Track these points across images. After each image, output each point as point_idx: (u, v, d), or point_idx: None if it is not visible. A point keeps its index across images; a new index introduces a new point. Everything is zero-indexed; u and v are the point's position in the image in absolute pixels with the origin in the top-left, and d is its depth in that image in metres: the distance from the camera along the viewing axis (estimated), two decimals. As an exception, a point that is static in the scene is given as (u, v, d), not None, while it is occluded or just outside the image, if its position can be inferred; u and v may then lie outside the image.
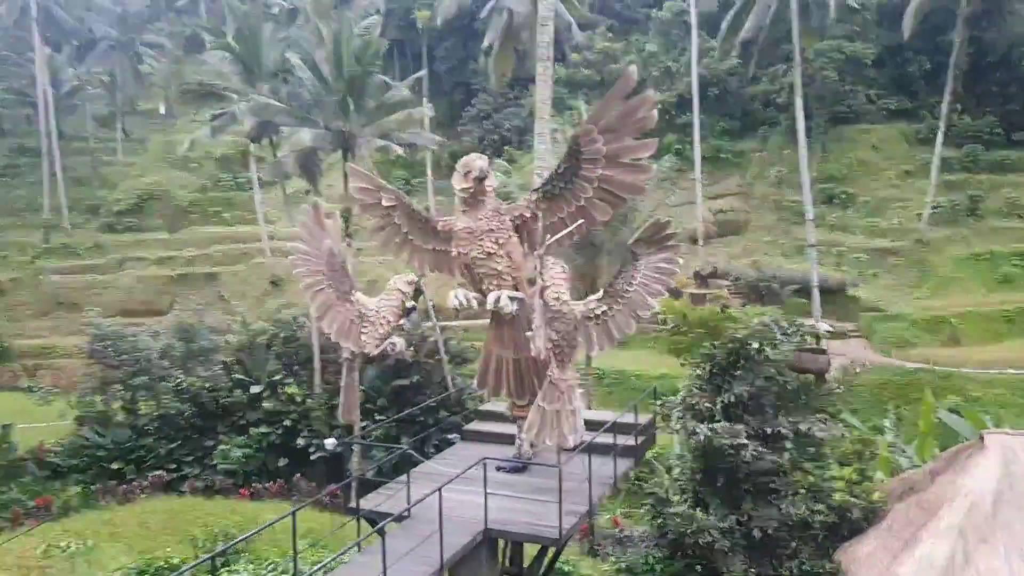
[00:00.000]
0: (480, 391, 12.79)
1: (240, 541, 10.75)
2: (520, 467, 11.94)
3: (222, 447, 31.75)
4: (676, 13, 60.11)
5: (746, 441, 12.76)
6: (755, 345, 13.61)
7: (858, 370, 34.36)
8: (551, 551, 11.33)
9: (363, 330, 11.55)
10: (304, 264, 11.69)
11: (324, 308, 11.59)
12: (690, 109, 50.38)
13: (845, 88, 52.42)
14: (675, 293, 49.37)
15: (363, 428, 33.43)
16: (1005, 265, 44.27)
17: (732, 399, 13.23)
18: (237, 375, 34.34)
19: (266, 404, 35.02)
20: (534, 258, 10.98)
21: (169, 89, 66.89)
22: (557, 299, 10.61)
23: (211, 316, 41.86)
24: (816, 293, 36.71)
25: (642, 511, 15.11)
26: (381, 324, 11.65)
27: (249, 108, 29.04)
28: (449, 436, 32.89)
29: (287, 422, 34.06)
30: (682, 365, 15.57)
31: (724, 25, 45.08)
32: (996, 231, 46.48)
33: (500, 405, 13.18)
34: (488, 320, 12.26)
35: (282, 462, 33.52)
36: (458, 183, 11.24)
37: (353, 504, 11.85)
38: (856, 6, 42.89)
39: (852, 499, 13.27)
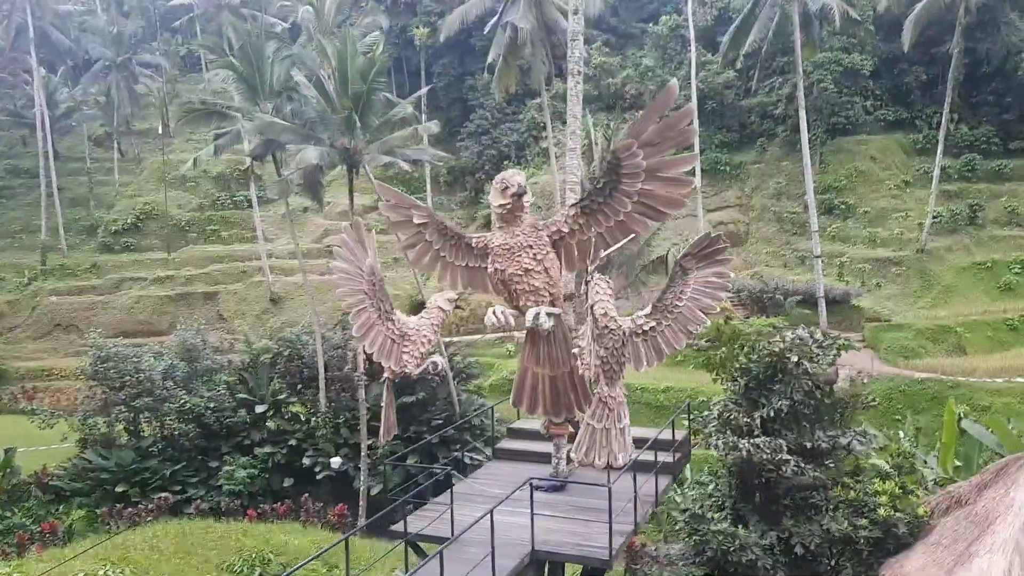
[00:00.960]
0: (516, 407, 12.54)
1: (300, 567, 10.42)
2: (559, 486, 11.74)
3: (227, 468, 31.43)
4: (672, 28, 60.37)
5: (788, 456, 12.55)
6: (794, 358, 13.41)
7: (865, 380, 34.22)
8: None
9: (404, 349, 11.37)
10: (346, 283, 11.49)
11: (366, 327, 11.39)
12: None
13: (842, 99, 52.62)
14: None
15: (370, 449, 33.21)
16: (1006, 274, 44.33)
17: (772, 413, 13.03)
18: (241, 395, 34.05)
19: (270, 424, 34.74)
20: (585, 274, 10.80)
21: (165, 108, 66.82)
22: (605, 315, 10.45)
23: (213, 335, 41.56)
24: (823, 304, 36.63)
25: (676, 528, 14.86)
26: (422, 343, 11.48)
27: (254, 126, 28.90)
28: (468, 454, 32.76)
29: (292, 441, 33.77)
30: (714, 380, 15.36)
31: (727, 38, 45.24)
32: (996, 239, 46.59)
33: (531, 423, 12.93)
34: (523, 336, 12.10)
35: (287, 482, 33.19)
36: (496, 199, 11.10)
37: (371, 524, 11.57)
38: (858, 18, 43.05)
39: (897, 513, 13.05)
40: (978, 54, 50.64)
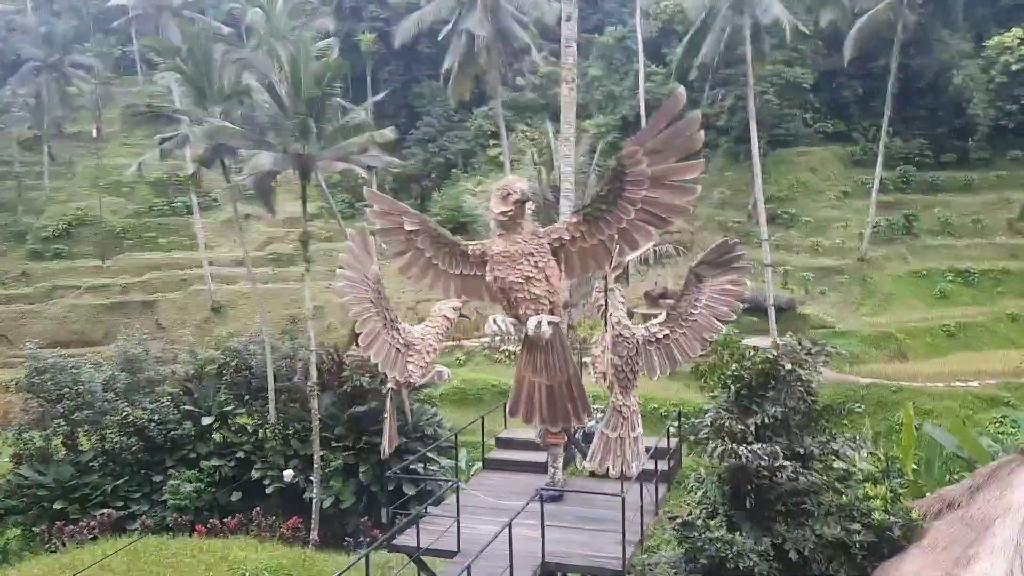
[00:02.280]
0: (512, 417, 12.26)
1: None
2: (557, 496, 11.55)
3: (172, 482, 30.36)
4: (618, 39, 61.02)
5: (786, 462, 12.61)
6: (788, 366, 13.53)
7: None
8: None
9: (409, 359, 11.06)
10: (352, 290, 11.08)
11: (371, 337, 11.01)
12: (635, 132, 51.02)
13: (783, 112, 53.84)
14: (628, 314, 49.78)
15: (323, 460, 32.46)
16: (941, 281, 45.85)
17: (767, 420, 13.09)
18: (186, 406, 32.97)
19: (217, 436, 33.75)
20: (600, 280, 10.64)
21: (98, 111, 64.67)
22: (618, 323, 10.31)
23: (153, 345, 40.20)
24: (772, 312, 37.29)
25: (664, 536, 14.81)
26: (427, 352, 11.19)
27: (204, 131, 28.08)
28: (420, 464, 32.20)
29: (240, 454, 32.85)
30: (701, 388, 15.42)
31: (680, 49, 45.88)
32: (930, 249, 48.18)
33: (519, 432, 12.73)
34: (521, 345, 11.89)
35: (235, 496, 32.28)
36: (497, 206, 10.90)
37: (354, 539, 11.17)
38: (808, 32, 44.14)
39: (891, 517, 13.21)
40: (912, 70, 52.37)
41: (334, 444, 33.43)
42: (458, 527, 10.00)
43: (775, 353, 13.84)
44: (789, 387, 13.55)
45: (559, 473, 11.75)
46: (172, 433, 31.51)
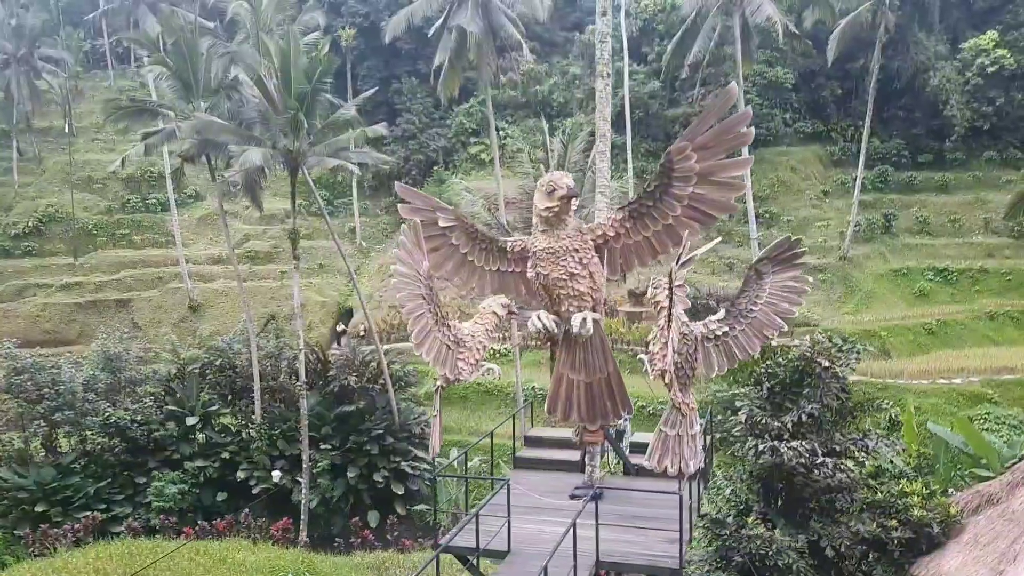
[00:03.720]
0: (551, 416, 12.07)
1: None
2: (598, 494, 11.38)
3: (156, 484, 29.75)
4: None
5: (827, 459, 12.53)
6: (824, 363, 13.46)
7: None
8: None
9: (459, 356, 10.80)
10: (405, 287, 10.75)
11: (423, 334, 10.71)
12: (615, 131, 51.05)
13: (764, 112, 54.17)
14: (611, 312, 49.68)
15: (312, 460, 31.94)
16: (920, 280, 46.41)
17: (803, 417, 13.00)
18: (169, 407, 32.33)
19: (200, 436, 33.14)
20: (659, 278, 10.46)
21: (68, 106, 63.27)
22: (678, 319, 10.16)
23: (132, 345, 39.37)
24: (760, 309, 37.29)
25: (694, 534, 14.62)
26: (477, 349, 10.95)
27: (191, 126, 27.42)
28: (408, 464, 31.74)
29: (225, 455, 32.27)
30: (729, 386, 15.30)
31: (670, 48, 45.97)
32: (909, 247, 48.77)
33: (547, 431, 12.57)
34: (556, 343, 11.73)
35: (220, 497, 31.72)
36: (542, 202, 10.76)
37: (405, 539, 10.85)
38: (796, 32, 44.42)
39: (929, 514, 13.19)
40: (889, 71, 52.94)
41: (321, 445, 32.98)
42: (509, 527, 9.74)
43: (810, 351, 13.77)
44: (825, 384, 13.49)
45: (597, 471, 11.59)
46: (155, 434, 30.90)
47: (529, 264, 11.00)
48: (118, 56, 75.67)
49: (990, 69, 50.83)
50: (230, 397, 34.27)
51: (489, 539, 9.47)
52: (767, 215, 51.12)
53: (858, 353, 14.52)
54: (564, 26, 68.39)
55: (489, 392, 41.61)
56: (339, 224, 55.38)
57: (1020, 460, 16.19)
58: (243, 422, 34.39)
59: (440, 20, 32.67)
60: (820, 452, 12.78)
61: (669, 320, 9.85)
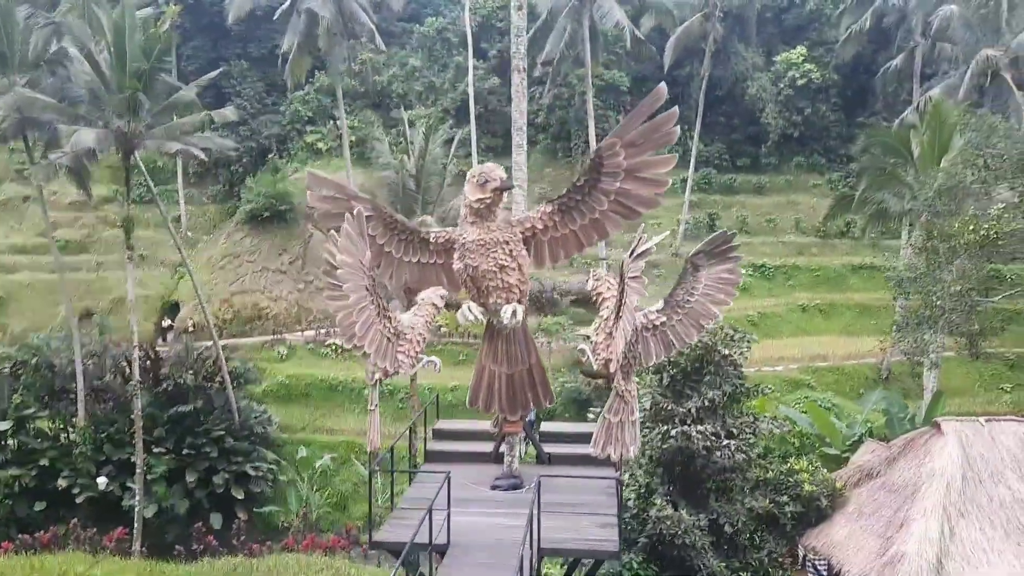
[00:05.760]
0: (472, 407, 11.81)
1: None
2: (518, 485, 11.32)
3: (-39, 497, 26.83)
4: (438, 30, 60.75)
5: (729, 441, 13.01)
6: (724, 351, 13.97)
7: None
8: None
9: (399, 348, 10.29)
10: (350, 278, 9.98)
11: (367, 326, 10.05)
12: (456, 125, 51.19)
13: (599, 113, 55.94)
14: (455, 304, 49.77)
15: (146, 465, 29.68)
16: (743, 276, 49.65)
17: (705, 403, 13.45)
18: (-25, 411, 29.19)
19: (12, 442, 30.18)
20: (621, 267, 10.44)
21: None
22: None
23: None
24: (606, 303, 38.49)
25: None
26: (417, 341, 10.49)
27: (8, 102, 24.67)
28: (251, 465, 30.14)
29: (43, 462, 29.62)
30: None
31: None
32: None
33: (454, 423, 12.41)
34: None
35: (38, 507, 29.08)
36: (473, 193, 10.69)
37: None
38: (642, 37, 46.09)
39: (816, 488, 13.97)
40: (712, 79, 56.19)
41: (155, 448, 30.88)
42: (448, 519, 9.40)
43: (711, 340, 14.30)
44: (723, 371, 14.08)
45: (516, 462, 11.53)
46: (-41, 442, 27.87)
47: (456, 256, 10.96)
48: None
49: (800, 82, 55.11)
50: (47, 399, 31.38)
51: (436, 533, 9.14)
52: (603, 212, 52.88)
53: (749, 342, 15.29)
54: (401, 16, 67.55)
55: (331, 387, 40.50)
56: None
57: (859, 439, 17.77)
58: (62, 426, 31.63)
59: (288, 1, 31.28)
60: (722, 435, 13.37)
61: (618, 311, 9.99)
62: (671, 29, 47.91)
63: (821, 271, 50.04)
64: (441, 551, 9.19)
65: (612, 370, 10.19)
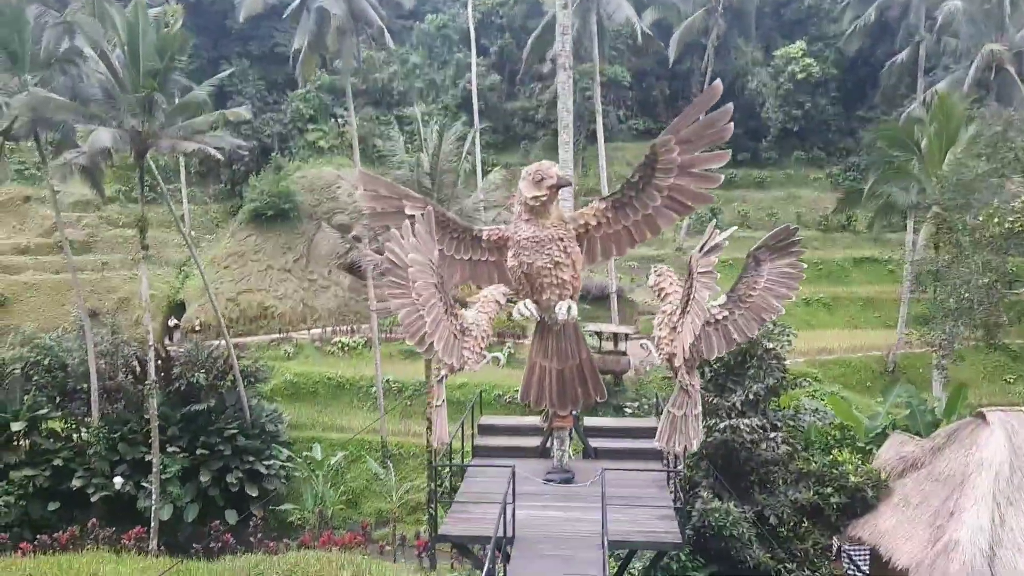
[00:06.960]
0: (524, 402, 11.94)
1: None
2: (570, 478, 11.47)
3: (-25, 497, 26.86)
4: (438, 27, 60.71)
5: (775, 434, 13.14)
6: (768, 345, 14.08)
7: (648, 368, 36.81)
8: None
9: (465, 345, 10.39)
10: (421, 276, 10.09)
11: (436, 323, 10.15)
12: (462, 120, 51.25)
13: (600, 107, 56.03)
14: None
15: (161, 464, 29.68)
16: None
17: (749, 396, 13.57)
18: (-13, 412, 29.14)
19: (26, 443, 30.15)
20: (689, 262, 10.54)
21: None
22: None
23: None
24: (615, 299, 38.75)
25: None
26: (481, 338, 10.59)
27: (24, 101, 24.60)
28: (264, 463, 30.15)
29: (57, 462, 29.62)
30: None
31: (530, 42, 46.55)
32: (734, 240, 50.70)
33: (500, 418, 12.58)
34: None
35: (52, 507, 29.09)
36: (529, 191, 10.76)
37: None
38: (650, 33, 46.14)
39: (862, 479, 14.10)
40: (712, 74, 56.41)
41: (168, 447, 30.90)
42: (513, 512, 9.52)
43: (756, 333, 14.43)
44: (767, 364, 14.20)
45: (566, 456, 11.68)
46: (-30, 443, 27.88)
47: (511, 253, 11.04)
48: None
49: (799, 76, 55.32)
50: (59, 399, 31.37)
51: (497, 526, 9.28)
52: (606, 208, 53.03)
53: (789, 336, 15.41)
54: (400, 14, 67.46)
55: (340, 385, 40.56)
56: (165, 213, 51.78)
57: (883, 432, 17.93)
58: (74, 426, 31.63)
59: (298, 1, 31.26)
60: (768, 427, 13.51)
61: (686, 306, 10.10)
62: (675, 24, 47.96)
63: (823, 265, 50.24)
64: (507, 544, 9.31)
65: (676, 364, 10.30)
